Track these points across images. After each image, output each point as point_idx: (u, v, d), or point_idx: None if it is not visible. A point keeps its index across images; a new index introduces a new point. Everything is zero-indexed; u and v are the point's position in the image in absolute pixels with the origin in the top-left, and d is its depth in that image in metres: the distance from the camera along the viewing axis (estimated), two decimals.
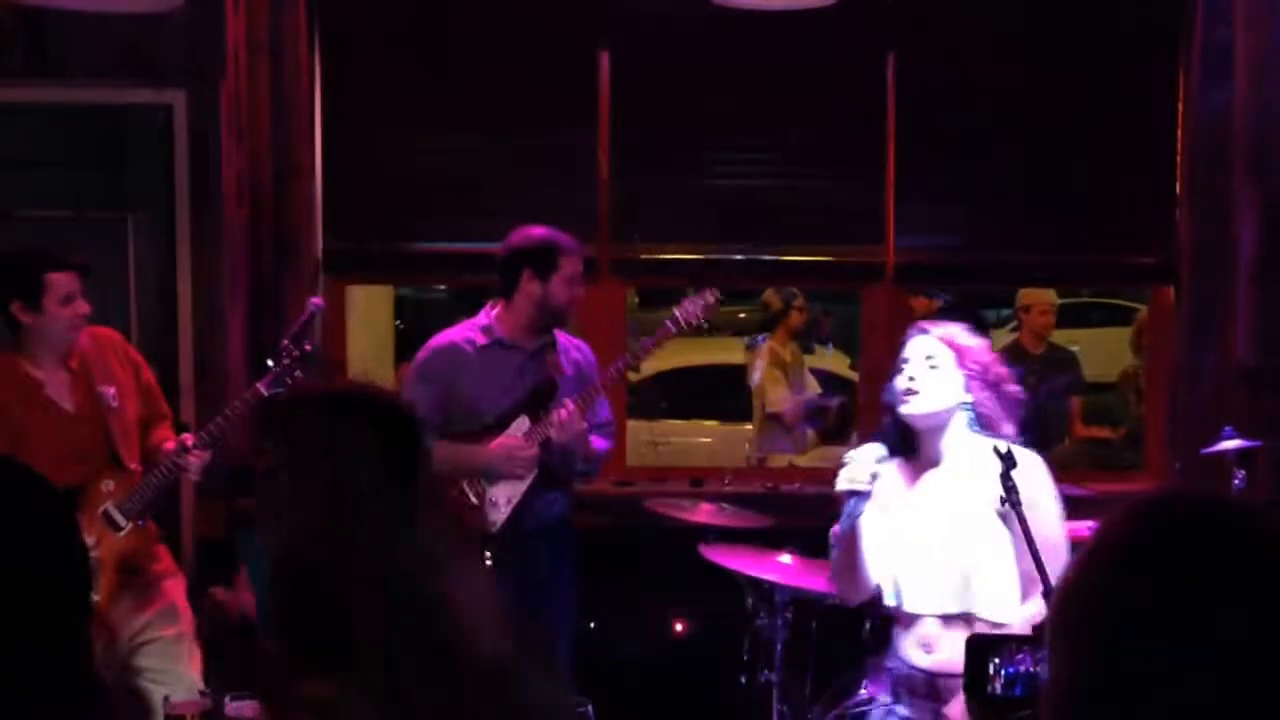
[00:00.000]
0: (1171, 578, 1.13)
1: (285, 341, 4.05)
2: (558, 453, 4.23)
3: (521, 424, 4.25)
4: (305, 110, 5.03)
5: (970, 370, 3.23)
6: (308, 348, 4.05)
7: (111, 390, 4.06)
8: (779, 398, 7.33)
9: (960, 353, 3.24)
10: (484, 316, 4.35)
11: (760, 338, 7.83)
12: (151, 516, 4.12)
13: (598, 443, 4.35)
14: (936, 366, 3.22)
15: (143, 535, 4.10)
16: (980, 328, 4.89)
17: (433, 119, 5.28)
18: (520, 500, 4.23)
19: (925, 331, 3.30)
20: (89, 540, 3.92)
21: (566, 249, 4.25)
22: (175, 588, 4.20)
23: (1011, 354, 5.95)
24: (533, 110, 5.25)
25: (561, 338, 4.41)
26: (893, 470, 3.30)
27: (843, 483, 3.14)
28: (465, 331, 4.35)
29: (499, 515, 4.22)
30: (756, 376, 7.59)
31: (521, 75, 5.23)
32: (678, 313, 4.30)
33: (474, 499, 4.21)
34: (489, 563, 4.13)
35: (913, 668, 3.27)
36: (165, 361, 4.82)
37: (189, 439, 4.01)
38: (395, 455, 1.77)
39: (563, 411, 4.16)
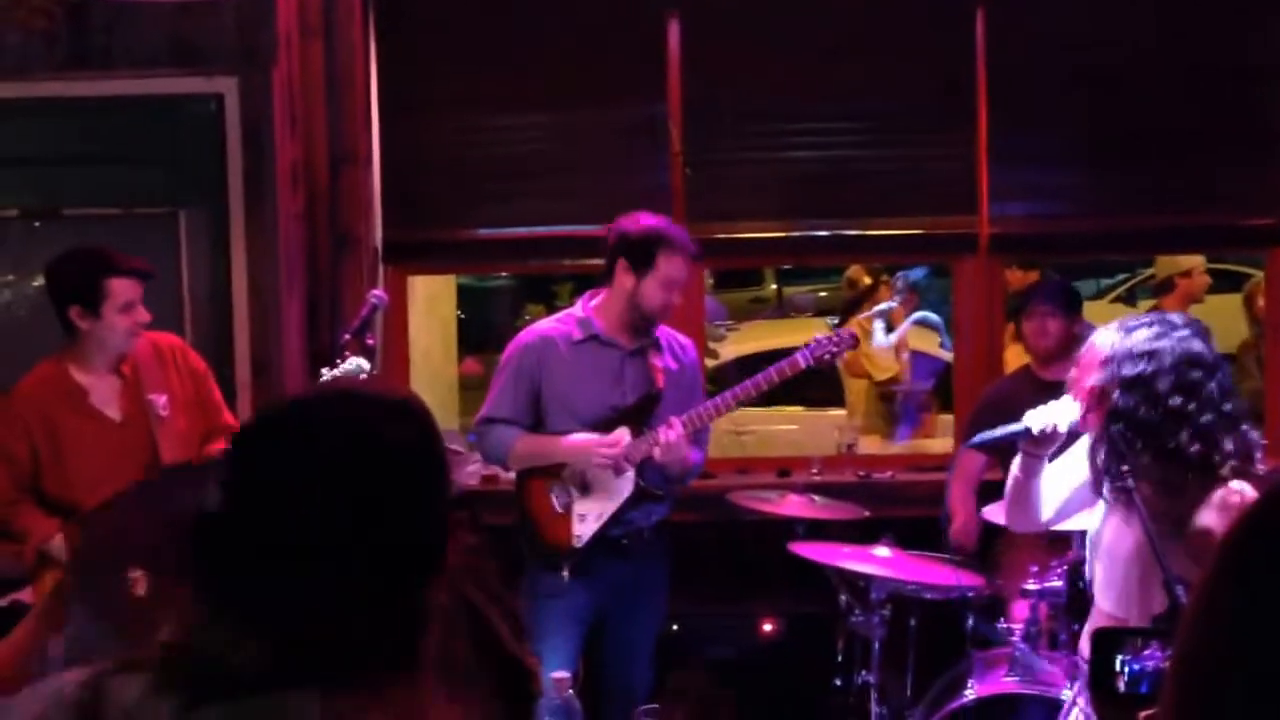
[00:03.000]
0: None
1: (347, 336, 3.85)
2: (653, 472, 4.01)
3: (622, 435, 3.99)
4: (361, 95, 4.92)
5: None
6: (370, 342, 3.84)
7: (162, 399, 3.92)
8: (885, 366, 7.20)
9: None
10: (582, 308, 4.10)
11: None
12: None
13: (693, 455, 4.09)
14: None
15: None
16: (1076, 304, 4.64)
17: (494, 98, 5.10)
18: (610, 517, 4.00)
19: None
20: None
21: (670, 246, 3.93)
22: None
23: None
24: (598, 84, 5.06)
25: (664, 335, 4.14)
26: None
27: (1046, 418, 3.00)
28: (560, 324, 4.11)
29: (585, 530, 3.99)
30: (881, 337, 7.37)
31: (585, 46, 5.05)
32: (810, 348, 4.01)
33: (559, 508, 3.99)
34: (565, 576, 3.91)
35: (1083, 659, 3.14)
36: (220, 359, 4.72)
37: None
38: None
39: (670, 433, 3.91)
